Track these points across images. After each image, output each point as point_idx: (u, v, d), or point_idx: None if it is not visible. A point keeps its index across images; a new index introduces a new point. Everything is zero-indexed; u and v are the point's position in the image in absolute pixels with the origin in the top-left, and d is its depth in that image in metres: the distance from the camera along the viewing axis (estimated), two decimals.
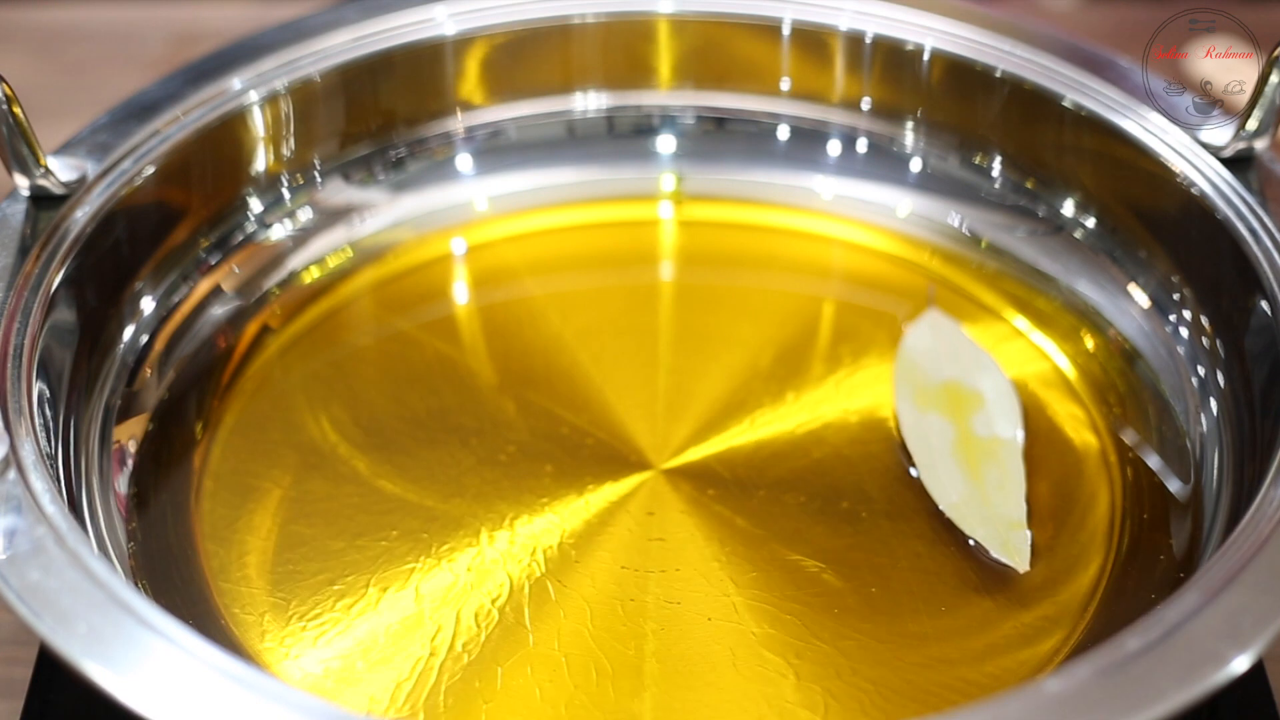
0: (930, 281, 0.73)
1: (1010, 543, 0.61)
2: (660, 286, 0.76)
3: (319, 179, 0.75)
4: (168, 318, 0.69)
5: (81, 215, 0.64)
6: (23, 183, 0.64)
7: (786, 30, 0.76)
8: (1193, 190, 0.67)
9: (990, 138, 0.75)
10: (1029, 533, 0.61)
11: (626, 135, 0.80)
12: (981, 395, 0.67)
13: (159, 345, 0.68)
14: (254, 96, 0.71)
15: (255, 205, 0.73)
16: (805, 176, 0.78)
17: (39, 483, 0.53)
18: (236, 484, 0.64)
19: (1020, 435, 0.66)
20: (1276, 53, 0.64)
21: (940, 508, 0.62)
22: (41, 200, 0.64)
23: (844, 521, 0.62)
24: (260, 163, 0.73)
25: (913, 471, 0.64)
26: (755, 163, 0.79)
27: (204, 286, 0.71)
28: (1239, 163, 0.67)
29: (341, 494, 0.64)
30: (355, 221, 0.76)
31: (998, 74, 0.73)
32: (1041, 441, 0.66)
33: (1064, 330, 0.71)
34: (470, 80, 0.77)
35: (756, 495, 0.64)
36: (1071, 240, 0.73)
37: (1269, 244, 0.63)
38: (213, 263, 0.72)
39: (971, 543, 0.61)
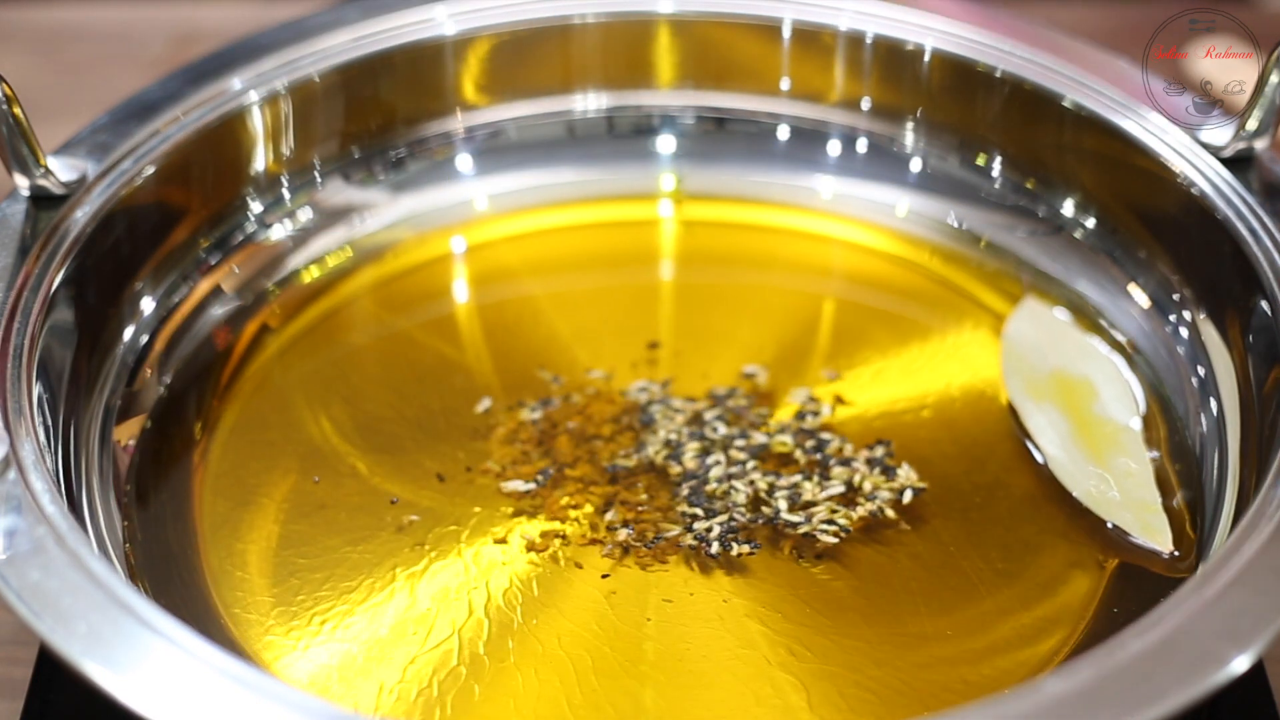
0: (1021, 271, 0.74)
1: (1151, 525, 0.61)
2: (660, 286, 0.76)
3: (319, 179, 0.75)
4: (168, 318, 0.69)
5: (81, 215, 0.64)
6: (23, 183, 0.64)
7: (786, 30, 0.76)
8: (1193, 190, 0.67)
9: (990, 138, 0.75)
10: (1165, 515, 0.62)
11: (626, 135, 0.80)
12: (1092, 382, 0.68)
13: (159, 345, 0.68)
14: (254, 96, 0.71)
15: (255, 205, 0.73)
16: (805, 176, 0.78)
17: (39, 483, 0.53)
18: (236, 484, 0.64)
19: (1137, 421, 0.66)
20: (1276, 53, 0.64)
21: (1075, 496, 0.63)
22: (41, 200, 0.64)
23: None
24: (260, 163, 0.73)
25: (1038, 458, 0.64)
26: (755, 163, 0.79)
27: (204, 286, 0.71)
28: (1239, 163, 0.67)
29: (341, 494, 0.64)
30: (355, 221, 0.76)
31: (998, 74, 0.73)
32: None
33: None
34: (470, 80, 0.77)
35: None
36: (1071, 240, 0.73)
37: (1269, 244, 0.63)
38: (213, 263, 0.72)
39: (1110, 526, 0.62)
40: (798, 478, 0.64)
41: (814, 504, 0.62)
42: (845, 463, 0.64)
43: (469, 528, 0.62)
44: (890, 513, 0.62)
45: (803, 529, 0.61)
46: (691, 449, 0.65)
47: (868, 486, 0.63)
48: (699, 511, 0.62)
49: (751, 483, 0.63)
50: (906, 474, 0.64)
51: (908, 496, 0.63)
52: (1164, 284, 0.69)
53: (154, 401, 0.67)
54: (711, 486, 0.63)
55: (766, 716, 0.56)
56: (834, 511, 0.62)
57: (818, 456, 0.65)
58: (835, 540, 0.61)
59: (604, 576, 0.60)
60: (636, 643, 0.58)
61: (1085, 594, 0.60)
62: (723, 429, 0.66)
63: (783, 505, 0.62)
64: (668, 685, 0.57)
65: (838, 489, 0.63)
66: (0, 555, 0.50)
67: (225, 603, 0.59)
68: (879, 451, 0.65)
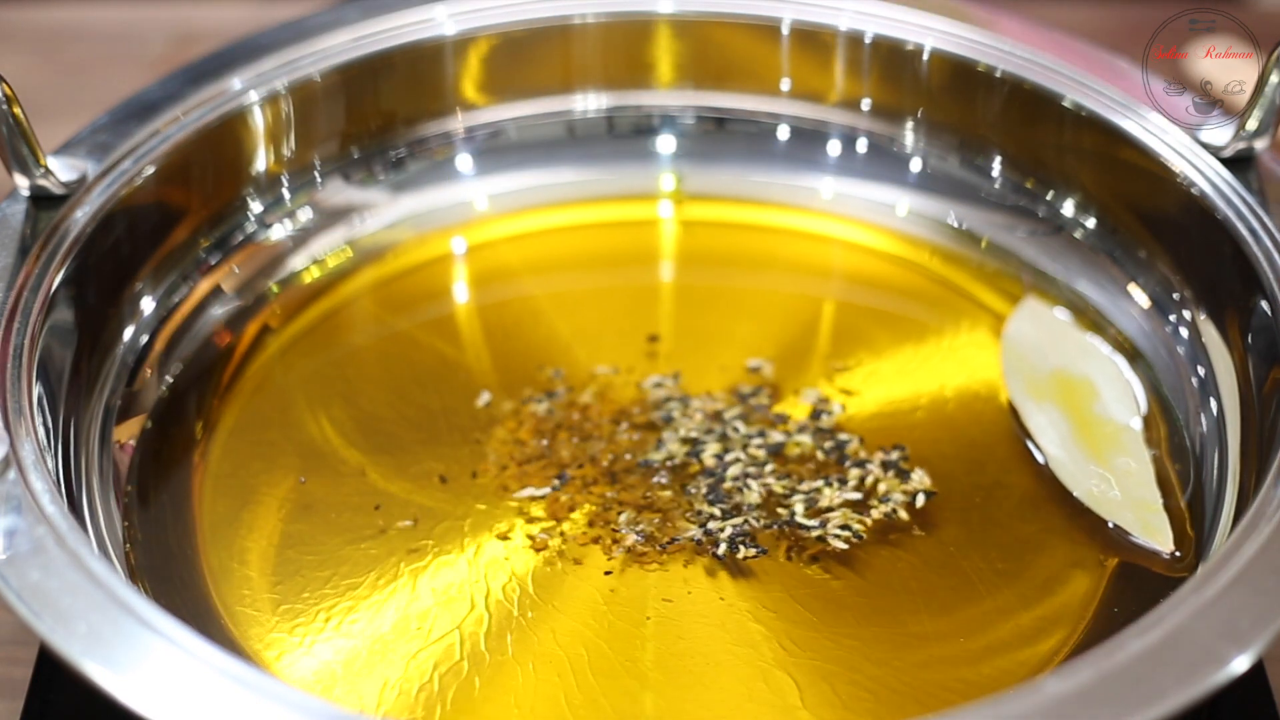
0: (1021, 271, 0.73)
1: (1152, 525, 0.61)
2: (660, 286, 0.76)
3: (319, 179, 0.75)
4: (168, 318, 0.69)
5: (81, 215, 0.64)
6: (23, 183, 0.64)
7: (786, 30, 0.76)
8: (1193, 190, 0.67)
9: (990, 138, 0.75)
10: (1166, 515, 0.62)
11: (626, 135, 0.80)
12: (1092, 382, 0.68)
13: (159, 345, 0.68)
14: (254, 96, 0.71)
15: (255, 205, 0.73)
16: (805, 176, 0.78)
17: (39, 483, 0.53)
18: (236, 484, 0.64)
19: (1138, 421, 0.66)
20: (1276, 53, 0.64)
21: (1075, 495, 0.63)
22: (41, 200, 0.64)
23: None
24: (260, 163, 0.73)
25: (1039, 459, 0.64)
26: (755, 163, 0.79)
27: (204, 286, 0.71)
28: (1239, 163, 0.67)
29: (341, 494, 0.64)
30: (355, 221, 0.76)
31: (998, 74, 0.73)
32: None
33: None
34: (470, 80, 0.77)
35: None
36: (1071, 240, 0.73)
37: (1269, 244, 0.63)
38: (213, 263, 0.72)
39: (1111, 525, 0.62)
40: (818, 482, 0.63)
41: (830, 509, 0.62)
42: (860, 464, 0.64)
43: (470, 526, 0.62)
44: (903, 514, 0.62)
45: (815, 533, 0.61)
46: (712, 448, 0.65)
47: (881, 489, 0.63)
48: (715, 511, 0.62)
49: (767, 485, 0.63)
50: (920, 478, 0.64)
51: (920, 500, 0.63)
52: (1164, 284, 0.69)
53: (154, 401, 0.67)
54: (728, 485, 0.63)
55: (764, 716, 0.56)
56: (849, 517, 0.62)
57: (834, 458, 0.65)
58: (846, 546, 0.61)
59: (605, 574, 0.60)
60: (635, 641, 0.58)
61: (1085, 594, 0.60)
62: (742, 428, 0.66)
63: (799, 509, 0.62)
64: (666, 684, 0.57)
65: (854, 494, 0.63)
66: (0, 555, 0.50)
67: (225, 602, 0.59)
68: (894, 455, 0.65)
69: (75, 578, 0.49)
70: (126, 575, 0.59)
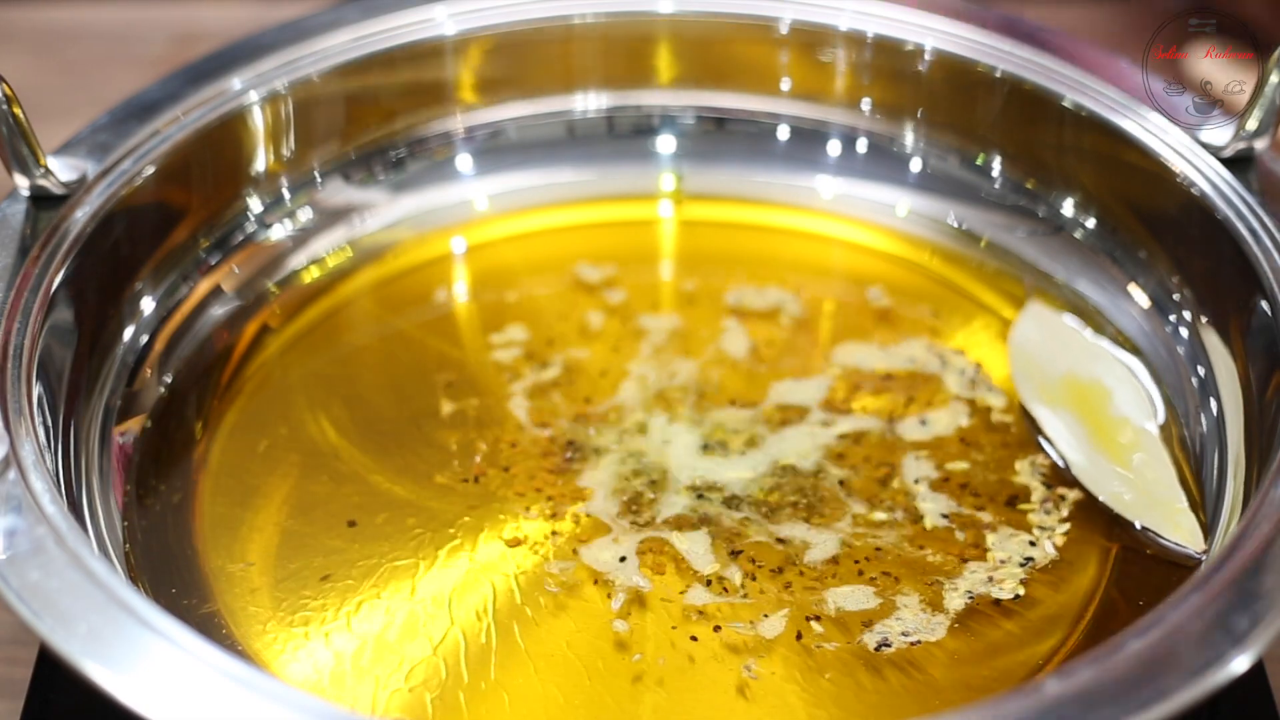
0: (1026, 275, 0.73)
1: (1181, 525, 0.61)
2: (660, 286, 0.76)
3: (319, 179, 0.75)
4: (168, 318, 0.69)
5: (81, 215, 0.64)
6: (23, 183, 0.64)
7: (786, 30, 0.76)
8: (1193, 190, 0.67)
9: (990, 138, 0.75)
10: (1193, 514, 0.62)
11: (626, 135, 0.80)
12: (1104, 384, 0.67)
13: (159, 345, 0.68)
14: (254, 96, 0.71)
15: (255, 205, 0.73)
16: (805, 176, 0.78)
17: (39, 483, 0.53)
18: (236, 484, 0.64)
19: (1153, 421, 0.66)
20: (1277, 53, 0.64)
21: (1101, 499, 0.62)
22: (41, 200, 0.64)
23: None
24: (260, 163, 0.73)
25: (1059, 462, 0.64)
26: (755, 163, 0.79)
27: (204, 286, 0.71)
28: (1239, 163, 0.67)
29: (341, 494, 0.64)
30: (355, 221, 0.76)
31: (998, 74, 0.73)
32: None
33: None
34: (470, 80, 0.77)
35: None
36: (1071, 240, 0.73)
37: (1269, 244, 0.63)
38: (213, 263, 0.72)
39: (1138, 526, 0.61)
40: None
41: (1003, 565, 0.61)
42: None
43: (470, 527, 0.62)
44: (1053, 547, 0.61)
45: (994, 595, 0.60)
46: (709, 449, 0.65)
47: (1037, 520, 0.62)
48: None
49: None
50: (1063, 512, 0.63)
51: (1064, 529, 0.62)
52: (1164, 284, 0.69)
53: (154, 401, 0.67)
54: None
55: (765, 717, 0.56)
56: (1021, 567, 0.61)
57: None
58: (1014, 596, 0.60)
59: (604, 575, 0.60)
60: (634, 642, 0.58)
61: (1085, 594, 0.60)
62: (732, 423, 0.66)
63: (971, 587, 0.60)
64: (663, 684, 0.57)
65: (1034, 551, 0.61)
66: (0, 555, 0.50)
67: (225, 602, 0.59)
68: (1072, 496, 0.63)
69: (75, 578, 0.49)
70: (126, 575, 0.59)
